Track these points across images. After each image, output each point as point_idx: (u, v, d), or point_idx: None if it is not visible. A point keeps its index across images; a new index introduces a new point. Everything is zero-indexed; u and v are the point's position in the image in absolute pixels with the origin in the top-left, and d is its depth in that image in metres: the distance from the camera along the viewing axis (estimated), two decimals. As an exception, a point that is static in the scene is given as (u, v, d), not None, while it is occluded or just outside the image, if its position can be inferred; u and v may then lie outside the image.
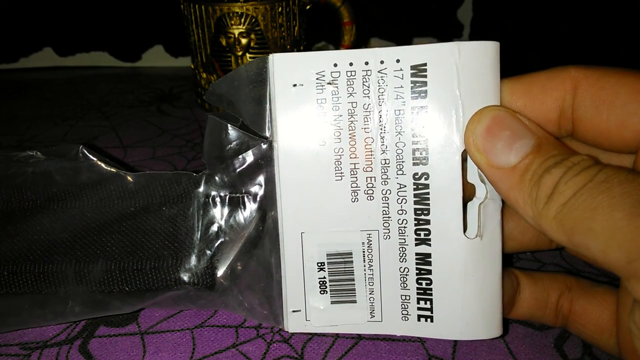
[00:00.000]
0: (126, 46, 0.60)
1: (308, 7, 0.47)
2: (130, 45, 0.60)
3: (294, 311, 0.21)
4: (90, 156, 0.23)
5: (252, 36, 0.44)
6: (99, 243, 0.22)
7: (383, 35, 0.60)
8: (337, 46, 0.50)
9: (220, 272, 0.22)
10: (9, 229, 0.22)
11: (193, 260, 0.22)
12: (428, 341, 0.24)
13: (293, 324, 0.22)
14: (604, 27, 0.46)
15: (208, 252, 0.22)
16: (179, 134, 0.44)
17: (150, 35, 0.60)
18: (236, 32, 0.43)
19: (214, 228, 0.22)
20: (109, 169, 0.22)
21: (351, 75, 0.19)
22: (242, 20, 0.43)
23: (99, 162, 0.22)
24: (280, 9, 0.44)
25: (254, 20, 0.43)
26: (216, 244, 0.22)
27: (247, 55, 0.44)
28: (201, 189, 0.22)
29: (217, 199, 0.22)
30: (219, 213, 0.22)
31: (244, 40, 0.44)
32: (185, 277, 0.22)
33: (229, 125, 0.21)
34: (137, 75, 0.58)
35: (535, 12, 0.48)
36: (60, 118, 0.48)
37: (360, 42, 0.59)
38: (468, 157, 0.19)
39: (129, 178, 0.22)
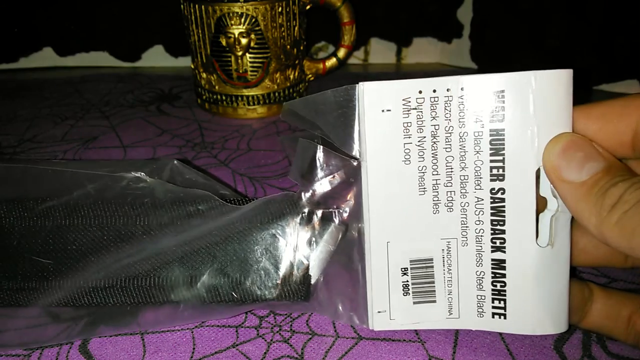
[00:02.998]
0: (126, 46, 0.60)
1: (308, 7, 0.47)
2: (130, 45, 0.60)
3: (379, 312, 0.23)
4: (184, 169, 0.26)
5: (252, 36, 0.44)
6: (210, 257, 0.24)
7: (383, 35, 0.60)
8: (337, 46, 0.50)
9: (313, 281, 0.24)
10: (134, 249, 0.24)
11: (290, 272, 0.24)
12: (428, 341, 0.24)
13: (378, 323, 0.23)
14: (605, 28, 0.46)
15: (304, 263, 0.24)
16: (179, 134, 0.44)
17: (150, 35, 0.60)
18: (236, 32, 0.43)
19: (309, 241, 0.24)
20: (218, 200, 0.25)
21: (434, 101, 0.21)
22: (242, 20, 0.43)
23: (213, 196, 0.25)
24: (280, 9, 0.44)
25: (254, 20, 0.43)
26: (310, 256, 0.24)
27: (247, 55, 0.44)
28: (297, 207, 0.24)
29: (312, 215, 0.24)
30: (313, 227, 0.24)
31: (244, 40, 0.44)
32: (284, 291, 0.24)
33: (321, 147, 0.23)
34: (137, 75, 0.58)
35: (535, 12, 0.48)
36: (60, 118, 0.48)
37: (360, 42, 0.59)
38: (541, 173, 0.21)
39: (236, 204, 0.25)
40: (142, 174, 0.25)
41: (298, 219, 0.24)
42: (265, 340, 0.24)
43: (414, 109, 0.21)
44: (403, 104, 0.21)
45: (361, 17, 0.51)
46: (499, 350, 0.23)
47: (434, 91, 0.21)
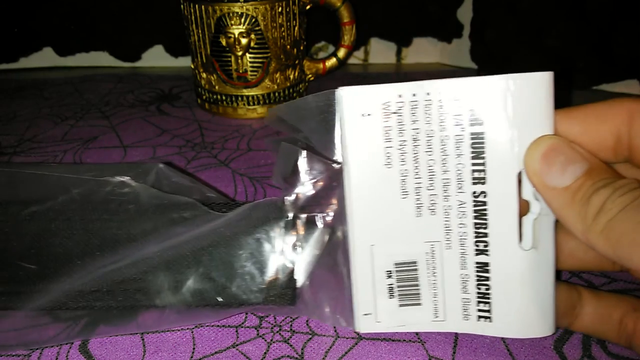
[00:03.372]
0: (126, 46, 0.60)
1: (308, 7, 0.47)
2: (130, 45, 0.60)
3: (365, 314, 0.23)
4: (170, 173, 0.26)
5: (252, 36, 0.44)
6: (195, 262, 0.24)
7: (383, 35, 0.60)
8: (337, 46, 0.50)
9: (299, 285, 0.24)
10: (119, 254, 0.24)
11: (276, 276, 0.24)
12: (428, 342, 0.24)
13: (364, 325, 0.23)
14: (605, 28, 0.46)
15: (289, 267, 0.24)
16: (178, 134, 0.44)
17: (150, 35, 0.60)
18: (236, 32, 0.43)
19: (294, 245, 0.24)
20: (203, 207, 0.25)
21: (414, 105, 0.21)
22: (242, 20, 0.43)
23: (197, 203, 0.25)
24: (280, 9, 0.44)
25: (254, 20, 0.43)
26: (295, 260, 0.24)
27: (247, 55, 0.44)
28: (282, 212, 0.24)
29: (296, 220, 0.24)
30: (297, 232, 0.25)
31: (244, 40, 0.44)
32: (269, 296, 0.24)
33: (304, 151, 0.23)
34: (137, 75, 0.58)
35: (535, 12, 0.48)
36: (60, 118, 0.48)
37: (360, 42, 0.59)
38: (523, 176, 0.21)
39: (220, 211, 0.25)
40: (127, 178, 0.25)
41: (283, 224, 0.24)
42: (265, 340, 0.24)
43: (394, 113, 0.21)
44: (383, 109, 0.21)
45: (361, 17, 0.51)
46: (499, 350, 0.23)
47: (414, 95, 0.21)
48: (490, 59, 0.53)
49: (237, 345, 0.24)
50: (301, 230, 0.24)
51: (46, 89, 0.55)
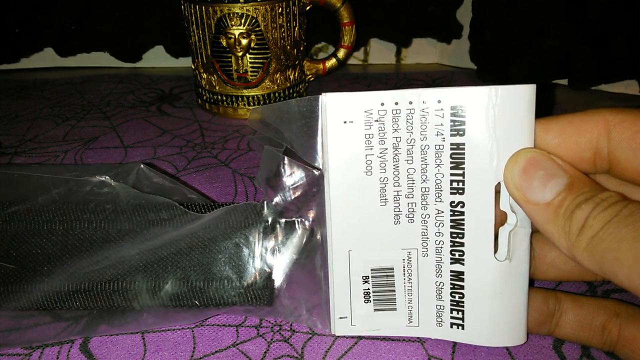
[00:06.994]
0: (127, 46, 0.60)
1: (308, 7, 0.47)
2: (131, 46, 0.60)
3: (340, 318, 0.24)
4: (151, 173, 0.26)
5: (253, 37, 0.44)
6: (173, 265, 0.24)
7: (383, 36, 0.60)
8: (337, 47, 0.50)
9: (276, 287, 0.25)
10: (97, 255, 0.24)
11: (253, 278, 0.24)
12: (427, 342, 0.24)
13: (340, 328, 0.24)
14: (604, 28, 0.46)
15: (266, 270, 0.24)
16: (179, 134, 0.44)
17: (150, 35, 0.60)
18: (236, 32, 0.43)
19: (272, 249, 0.25)
20: (181, 208, 0.25)
21: (396, 113, 0.21)
22: (243, 20, 0.43)
23: (175, 203, 0.25)
24: (280, 9, 0.44)
25: (254, 20, 0.43)
26: (273, 263, 0.25)
27: (247, 55, 0.44)
28: (261, 216, 0.25)
29: (275, 224, 0.25)
30: (276, 236, 0.25)
31: (244, 41, 0.44)
32: (247, 296, 0.24)
33: (285, 157, 0.24)
34: (137, 76, 0.58)
35: (534, 12, 0.48)
36: (61, 118, 0.48)
37: (359, 43, 0.60)
38: (501, 188, 0.21)
39: (199, 212, 0.25)
40: (107, 177, 0.25)
41: (261, 228, 0.24)
42: (266, 340, 0.24)
43: (376, 120, 0.21)
44: (365, 116, 0.21)
45: (361, 18, 0.51)
46: (498, 350, 0.23)
47: (396, 104, 0.21)
48: (490, 60, 0.53)
49: (237, 344, 0.24)
50: (280, 234, 0.25)
51: (47, 89, 0.55)
